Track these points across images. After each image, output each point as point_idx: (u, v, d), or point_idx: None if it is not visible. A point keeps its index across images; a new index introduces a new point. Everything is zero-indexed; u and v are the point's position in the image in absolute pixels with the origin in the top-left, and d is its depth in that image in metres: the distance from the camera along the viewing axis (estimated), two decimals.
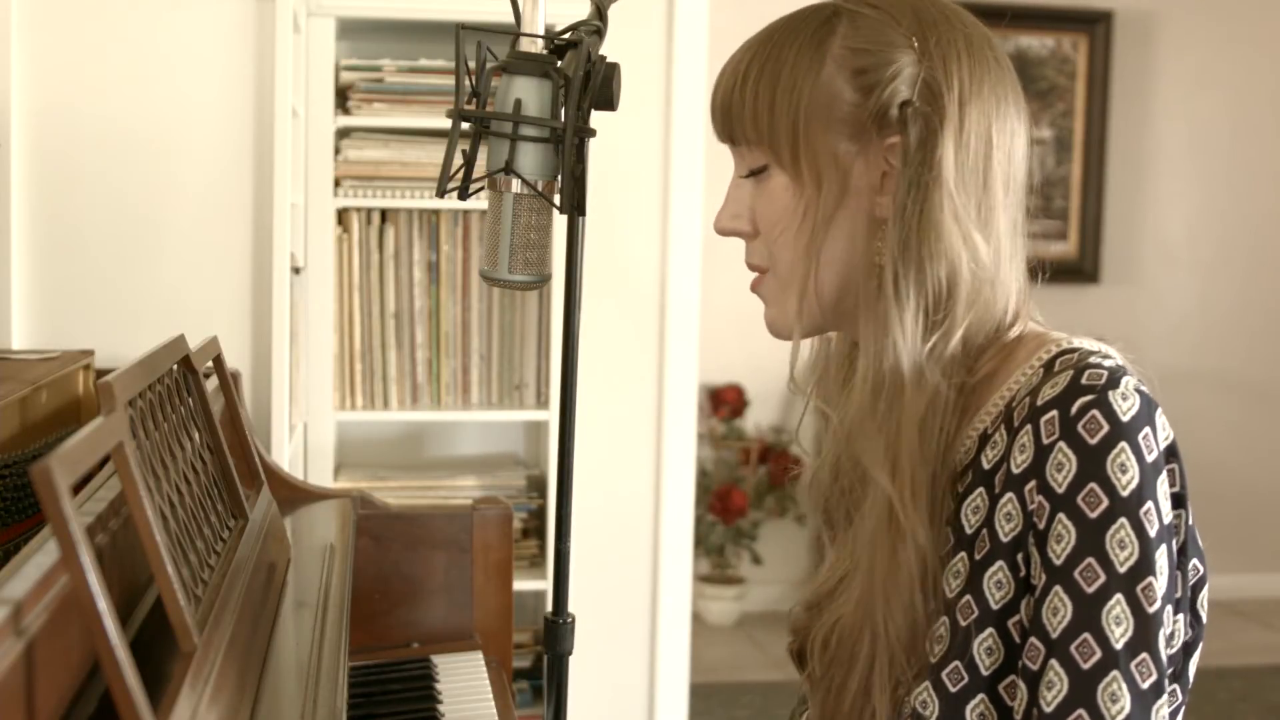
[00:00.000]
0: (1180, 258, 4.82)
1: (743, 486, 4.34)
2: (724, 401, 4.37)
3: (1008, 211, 1.02)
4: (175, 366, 1.18)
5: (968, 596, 0.95)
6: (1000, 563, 0.94)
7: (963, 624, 0.95)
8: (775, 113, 1.01)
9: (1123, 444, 0.90)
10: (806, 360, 1.14)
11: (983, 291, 1.00)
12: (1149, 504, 0.90)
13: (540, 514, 2.64)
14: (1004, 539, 0.94)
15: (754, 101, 1.02)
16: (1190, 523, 0.97)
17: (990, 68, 1.01)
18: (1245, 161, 4.81)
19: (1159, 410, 0.93)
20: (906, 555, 0.97)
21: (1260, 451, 4.85)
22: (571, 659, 1.15)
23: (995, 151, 1.00)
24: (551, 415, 2.55)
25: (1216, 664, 4.00)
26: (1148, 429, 0.91)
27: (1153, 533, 0.89)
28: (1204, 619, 1.00)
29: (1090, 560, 0.89)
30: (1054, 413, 0.92)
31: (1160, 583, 0.90)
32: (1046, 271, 1.07)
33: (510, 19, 1.10)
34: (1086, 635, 0.89)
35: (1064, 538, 0.90)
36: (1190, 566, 0.98)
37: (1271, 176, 4.83)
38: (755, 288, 1.09)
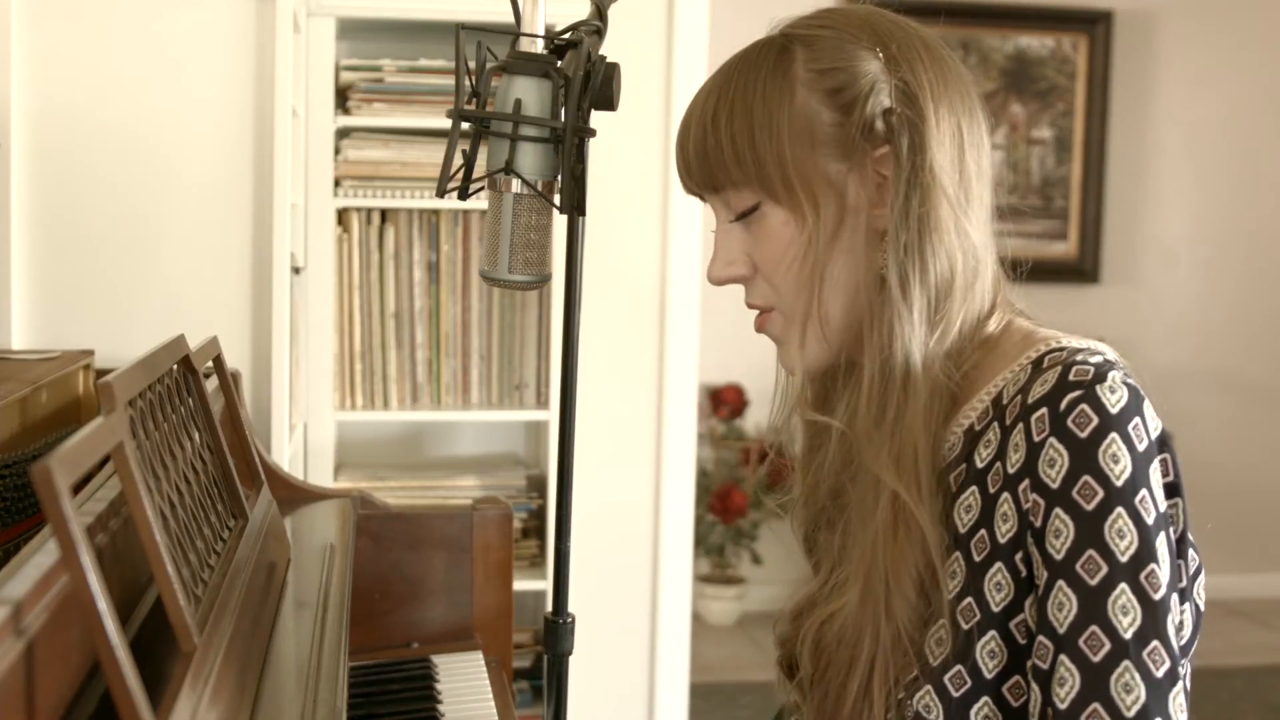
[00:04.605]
0: (1180, 258, 4.82)
1: (743, 486, 4.34)
2: (724, 401, 4.37)
3: (983, 203, 1.04)
4: (175, 366, 1.18)
5: (968, 599, 0.95)
6: (999, 564, 0.94)
7: (964, 627, 0.95)
8: (758, 149, 1.00)
9: (1113, 435, 0.90)
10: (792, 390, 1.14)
11: (973, 283, 1.01)
12: (1143, 492, 0.90)
13: (540, 514, 2.64)
14: (1002, 540, 0.94)
15: (732, 143, 1.01)
16: (1186, 513, 0.98)
17: (949, 65, 1.03)
18: (1244, 162, 4.81)
19: (1147, 401, 0.94)
20: (913, 552, 0.97)
21: (1260, 451, 4.85)
22: (571, 659, 1.15)
23: (967, 146, 1.02)
24: (551, 415, 2.55)
25: (1216, 664, 3.99)
26: (1137, 419, 0.92)
27: (1150, 520, 0.90)
28: (1202, 609, 1.01)
29: (1091, 552, 0.89)
30: (1043, 410, 0.93)
31: (1163, 570, 0.90)
32: (1027, 266, 1.08)
33: (510, 19, 1.10)
34: (1094, 628, 0.88)
35: (1062, 532, 0.90)
36: (1189, 556, 0.98)
37: (1271, 177, 4.83)
38: (762, 328, 1.08)
